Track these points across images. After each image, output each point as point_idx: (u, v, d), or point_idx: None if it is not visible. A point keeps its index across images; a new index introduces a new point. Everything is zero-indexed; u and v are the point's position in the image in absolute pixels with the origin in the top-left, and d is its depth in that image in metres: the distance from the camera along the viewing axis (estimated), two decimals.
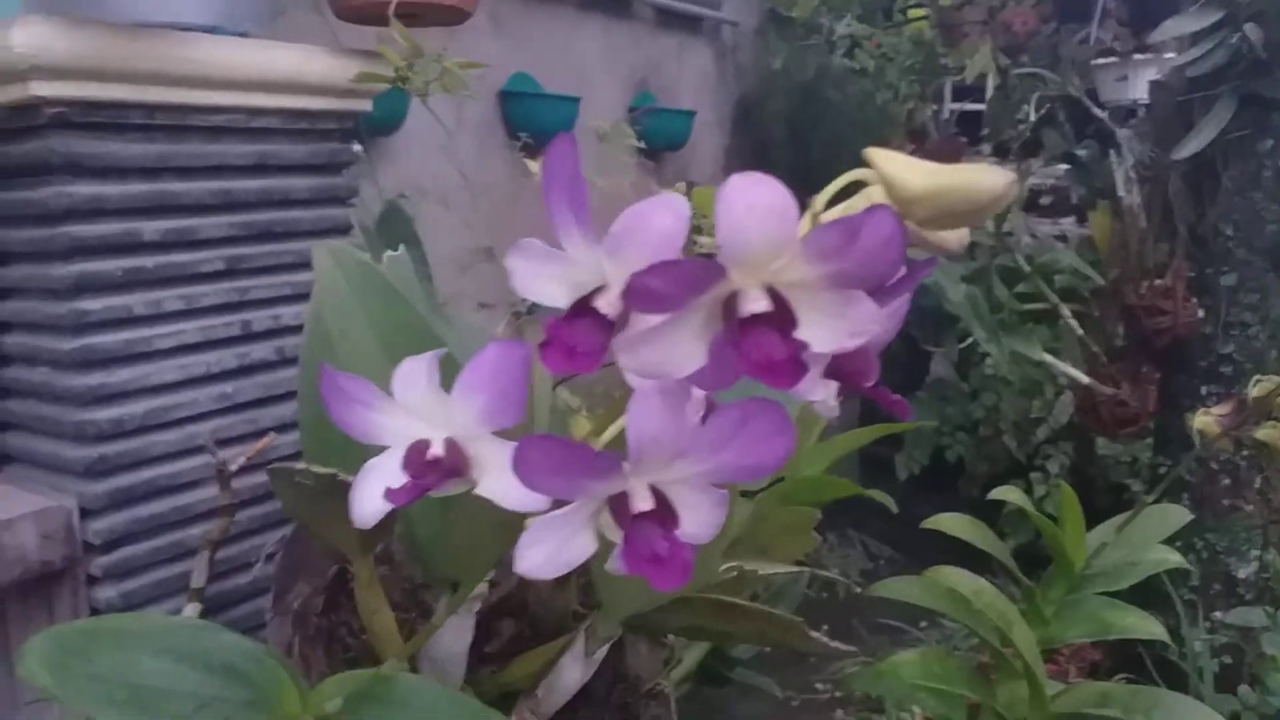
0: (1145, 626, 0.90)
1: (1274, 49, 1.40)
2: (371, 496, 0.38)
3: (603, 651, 0.65)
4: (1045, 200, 2.55)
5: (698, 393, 0.35)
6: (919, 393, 2.22)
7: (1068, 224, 2.35)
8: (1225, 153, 1.50)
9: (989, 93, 2.64)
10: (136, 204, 0.76)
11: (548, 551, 0.34)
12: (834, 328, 0.29)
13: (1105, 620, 0.90)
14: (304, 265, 0.87)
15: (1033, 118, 1.72)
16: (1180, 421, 1.58)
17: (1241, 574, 1.56)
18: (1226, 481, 1.56)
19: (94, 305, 0.74)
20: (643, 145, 1.35)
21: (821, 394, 0.33)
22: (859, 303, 0.29)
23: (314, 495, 0.57)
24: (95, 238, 0.73)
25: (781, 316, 0.28)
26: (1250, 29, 1.39)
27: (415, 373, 0.38)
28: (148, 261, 0.77)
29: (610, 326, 0.33)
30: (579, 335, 0.33)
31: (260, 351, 0.84)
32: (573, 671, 0.65)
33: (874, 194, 0.30)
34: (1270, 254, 1.52)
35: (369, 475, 0.39)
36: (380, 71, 0.86)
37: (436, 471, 0.37)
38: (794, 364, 0.28)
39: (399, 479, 0.37)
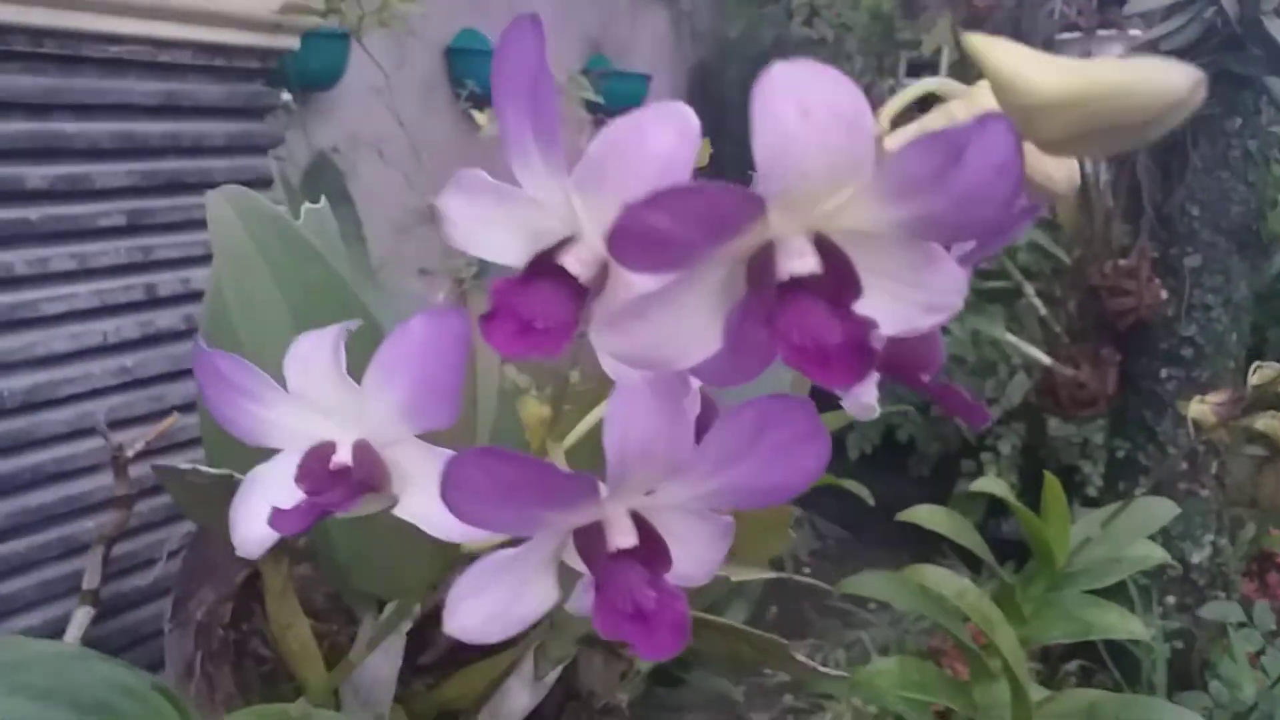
0: (1126, 626, 0.84)
1: (1249, 24, 1.34)
2: (255, 518, 0.28)
3: (554, 674, 0.55)
4: None
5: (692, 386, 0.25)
6: None
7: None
8: (1195, 131, 1.44)
9: (943, 69, 2.57)
10: (19, 145, 0.64)
11: (491, 607, 0.24)
12: (907, 299, 0.20)
13: (1086, 620, 0.83)
14: None
15: None
16: (1140, 405, 1.53)
17: (1195, 559, 1.51)
18: (1184, 466, 1.51)
19: None
20: (600, 100, 1.25)
21: (874, 395, 0.23)
22: (941, 264, 0.20)
23: (208, 495, 0.46)
24: None
25: (837, 279, 0.19)
26: (1227, 2, 1.33)
27: (316, 351, 0.28)
28: (32, 213, 0.65)
29: (581, 292, 0.23)
30: (538, 303, 0.23)
31: (166, 319, 0.73)
32: (519, 696, 0.55)
33: (959, 114, 0.21)
34: (1235, 235, 1.47)
35: (253, 489, 0.28)
36: (310, 3, 0.75)
37: (343, 485, 0.27)
38: (854, 351, 0.19)
39: (292, 495, 0.27)
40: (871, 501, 0.85)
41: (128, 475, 0.66)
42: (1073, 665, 1.38)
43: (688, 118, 0.21)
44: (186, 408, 0.73)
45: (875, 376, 0.25)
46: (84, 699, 0.44)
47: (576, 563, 0.26)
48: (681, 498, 0.24)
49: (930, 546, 0.91)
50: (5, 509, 0.65)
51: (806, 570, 1.91)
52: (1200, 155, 1.45)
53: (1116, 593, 1.31)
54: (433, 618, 0.64)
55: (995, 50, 0.18)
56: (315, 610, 0.65)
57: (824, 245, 0.19)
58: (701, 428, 0.24)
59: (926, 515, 0.86)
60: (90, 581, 0.66)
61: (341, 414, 0.28)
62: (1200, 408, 0.80)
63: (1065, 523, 0.82)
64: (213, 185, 0.74)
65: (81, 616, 0.67)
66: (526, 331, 0.23)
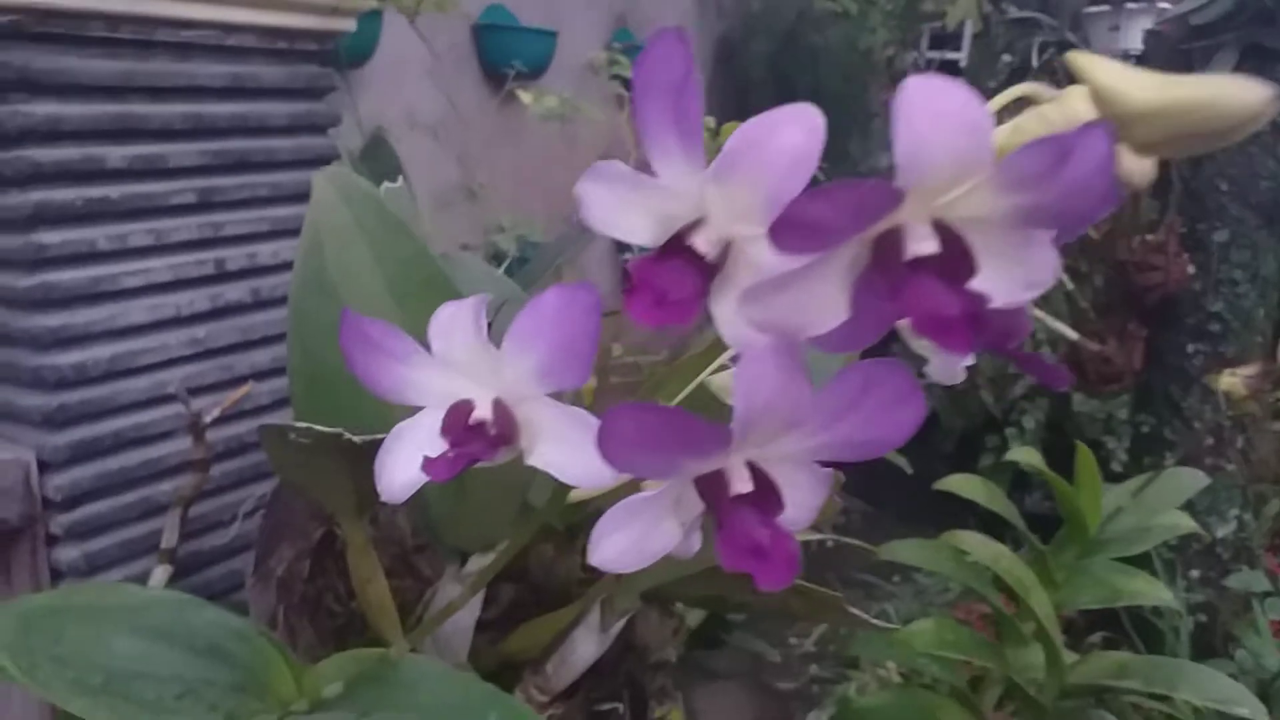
0: (1154, 592, 0.87)
1: None
2: (405, 466, 0.31)
3: (619, 625, 0.59)
4: None
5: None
6: (897, 344, 2.18)
7: None
8: None
9: (965, 41, 2.58)
10: (99, 126, 0.68)
11: (630, 539, 0.28)
12: (1011, 277, 0.23)
13: (1115, 585, 0.87)
14: (281, 199, 0.79)
15: (1035, 64, 1.66)
16: (1166, 380, 1.56)
17: (1220, 533, 1.54)
18: (1210, 441, 1.54)
19: (53, 238, 0.65)
20: (630, 75, 1.27)
21: (966, 363, 0.27)
22: (1040, 246, 0.23)
23: (308, 454, 0.50)
24: (54, 163, 0.65)
25: (957, 259, 0.22)
26: None
27: (458, 320, 0.32)
28: (112, 191, 0.69)
29: (708, 270, 0.27)
30: (671, 279, 0.26)
31: (234, 293, 0.76)
32: (587, 646, 0.59)
33: (1052, 116, 0.24)
34: (1263, 210, 1.49)
35: (400, 441, 0.32)
36: None
37: (482, 438, 0.31)
38: (970, 321, 0.22)
39: (437, 446, 0.31)
40: (910, 471, 0.88)
41: (204, 440, 0.70)
42: (1096, 637, 1.42)
43: (815, 117, 0.24)
44: (253, 376, 0.77)
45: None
46: (197, 641, 0.48)
47: (685, 512, 0.30)
48: (793, 450, 0.28)
49: (953, 522, 0.94)
50: (89, 472, 0.69)
51: (830, 543, 1.95)
52: None
53: (1142, 564, 1.35)
54: (496, 576, 0.69)
55: (1097, 66, 0.22)
56: (384, 569, 0.69)
57: (943, 229, 0.22)
58: None
59: (961, 484, 0.89)
60: (168, 541, 0.71)
61: (479, 375, 0.31)
62: (1231, 380, 0.84)
63: (1097, 492, 0.85)
64: (277, 164, 0.79)
65: (160, 574, 0.71)
66: (661, 303, 0.27)
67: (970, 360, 0.27)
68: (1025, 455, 0.93)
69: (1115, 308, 1.59)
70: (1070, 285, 1.60)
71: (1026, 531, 0.88)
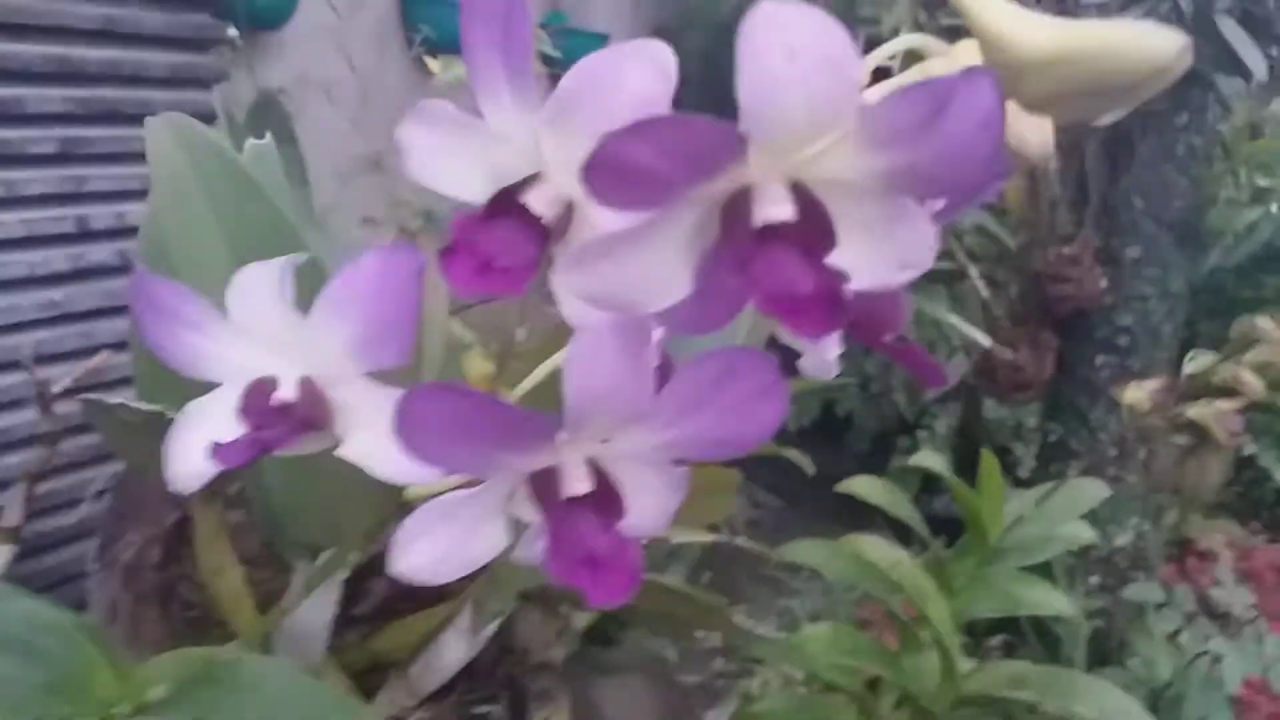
0: (1052, 602, 0.86)
1: (1202, 21, 1.36)
2: (193, 452, 0.27)
3: (491, 628, 0.55)
4: None
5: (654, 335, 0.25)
6: None
7: None
8: (1144, 124, 1.46)
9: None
10: None
11: (441, 548, 0.23)
12: (881, 253, 0.19)
13: (1015, 595, 0.86)
14: None
15: None
16: (1074, 390, 1.57)
17: (1119, 542, 1.56)
18: (1113, 452, 1.55)
19: None
20: (558, 55, 1.23)
21: (834, 351, 0.23)
22: (915, 220, 0.20)
23: (143, 434, 0.45)
24: None
25: (813, 227, 0.18)
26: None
27: (262, 283, 0.27)
28: None
29: (544, 233, 0.23)
30: (501, 241, 0.22)
31: (98, 253, 0.70)
32: (455, 649, 0.55)
33: (936, 70, 0.21)
34: (1176, 228, 1.51)
35: (192, 421, 0.27)
36: None
37: (286, 422, 0.26)
38: (826, 302, 0.18)
39: (233, 429, 0.26)
40: (812, 471, 0.85)
41: (53, 412, 0.64)
42: (997, 640, 1.42)
43: (666, 55, 0.20)
44: (117, 345, 0.71)
45: (838, 332, 0.25)
46: (6, 636, 0.43)
47: (526, 511, 0.26)
48: (639, 446, 0.24)
49: (864, 520, 0.92)
50: None
51: (740, 539, 1.93)
52: (1147, 148, 1.48)
53: (1044, 571, 1.35)
54: (367, 569, 0.64)
55: (986, 5, 0.18)
56: (249, 558, 0.63)
57: (801, 193, 0.19)
58: (660, 381, 0.24)
59: (863, 486, 0.87)
60: (11, 519, 0.64)
61: (286, 349, 0.27)
62: (1136, 394, 0.82)
63: (1000, 499, 0.83)
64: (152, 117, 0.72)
65: (3, 555, 0.65)
66: (486, 270, 0.22)
67: (836, 350, 0.24)
68: (928, 460, 0.91)
69: (1028, 317, 1.60)
70: (986, 293, 1.60)
71: (928, 537, 0.86)
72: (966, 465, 0.95)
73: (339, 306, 0.25)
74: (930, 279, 1.87)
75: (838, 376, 0.27)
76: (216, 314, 0.27)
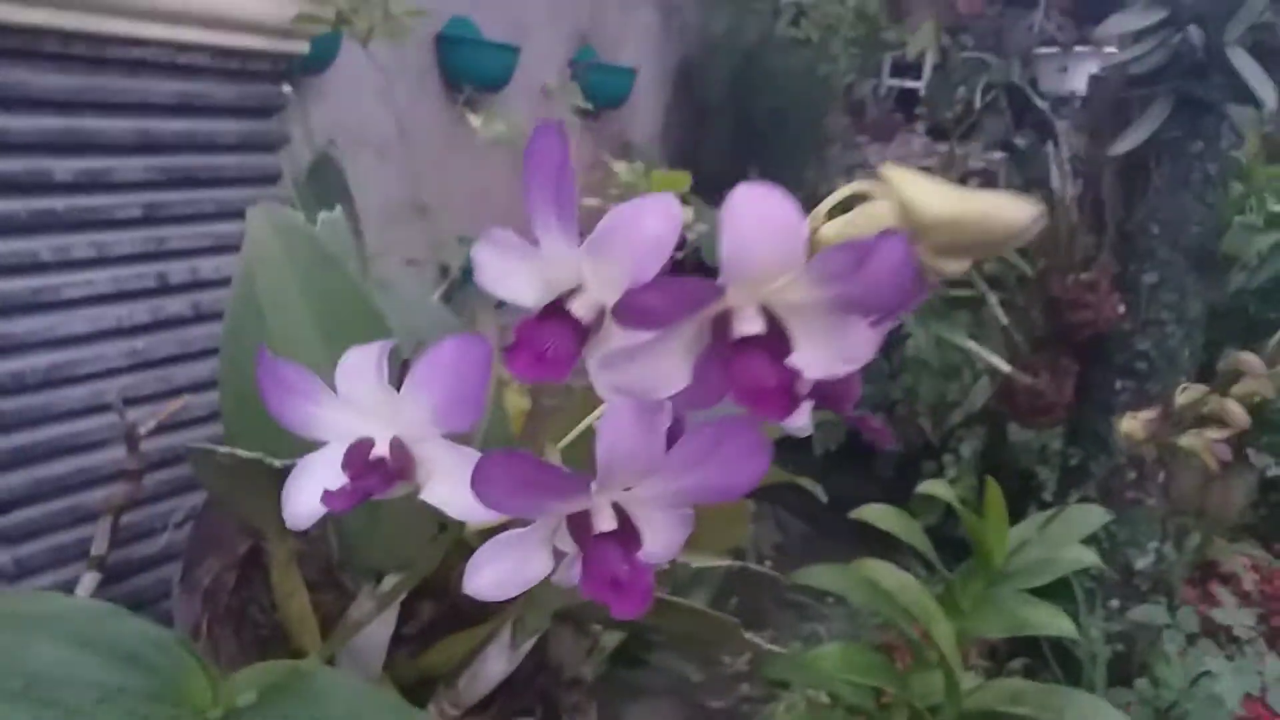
0: (1057, 624, 0.92)
1: (1213, 53, 1.42)
2: (307, 496, 0.35)
3: (529, 644, 0.63)
4: (973, 184, 2.58)
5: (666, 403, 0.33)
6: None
7: None
8: (1158, 152, 1.52)
9: (926, 71, 2.65)
10: (48, 140, 0.71)
11: (504, 572, 0.31)
12: (828, 354, 0.27)
13: (1020, 616, 0.92)
14: (226, 215, 0.82)
15: (978, 103, 1.73)
16: (1094, 414, 1.62)
17: (1139, 565, 1.61)
18: (1132, 475, 1.60)
19: None
20: (587, 104, 1.31)
21: (807, 422, 0.31)
22: (856, 329, 0.27)
23: (234, 475, 0.53)
24: (2, 175, 0.68)
25: (776, 340, 0.26)
26: (1192, 31, 1.41)
27: (362, 364, 0.35)
28: (58, 203, 0.72)
29: (583, 331, 0.31)
30: (549, 339, 0.30)
31: (175, 306, 0.79)
32: (497, 663, 0.63)
33: (877, 211, 0.28)
34: (1192, 254, 1.56)
35: (305, 472, 0.36)
36: (321, 13, 0.81)
37: (379, 474, 0.34)
38: (785, 393, 0.26)
39: (338, 479, 0.34)
40: (825, 499, 0.93)
41: (139, 450, 0.72)
42: (1017, 663, 1.47)
43: (674, 207, 0.28)
44: (191, 388, 0.80)
45: (808, 405, 0.33)
46: (118, 649, 0.51)
47: (565, 543, 0.33)
48: (653, 494, 0.32)
49: (890, 544, 0.98)
50: (23, 478, 0.72)
51: (768, 562, 1.99)
52: (1162, 176, 1.54)
53: (1061, 594, 1.41)
54: (417, 593, 0.72)
55: (904, 180, 0.26)
56: (310, 583, 0.72)
57: (768, 314, 0.26)
58: (672, 439, 0.32)
59: (877, 514, 0.94)
60: (99, 548, 0.73)
61: (380, 415, 0.35)
62: (1132, 423, 0.89)
63: (1003, 524, 0.90)
64: (223, 181, 0.82)
65: (89, 580, 0.73)
66: (540, 360, 0.30)
67: (804, 417, 0.32)
68: (937, 489, 0.98)
69: (1048, 342, 1.65)
70: (1005, 320, 1.66)
71: (935, 560, 0.92)
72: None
73: (423, 383, 0.33)
74: (953, 306, 1.93)
75: (861, 403, 0.34)
76: (326, 387, 0.36)
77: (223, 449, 0.47)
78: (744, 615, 0.71)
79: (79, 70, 0.72)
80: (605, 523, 0.31)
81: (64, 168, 0.72)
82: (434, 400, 0.34)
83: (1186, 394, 0.87)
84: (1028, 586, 0.93)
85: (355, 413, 0.35)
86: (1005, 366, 1.62)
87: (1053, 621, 0.92)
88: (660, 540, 0.33)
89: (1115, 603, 1.56)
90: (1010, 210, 0.25)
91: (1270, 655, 1.02)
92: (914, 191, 0.26)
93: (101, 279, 0.74)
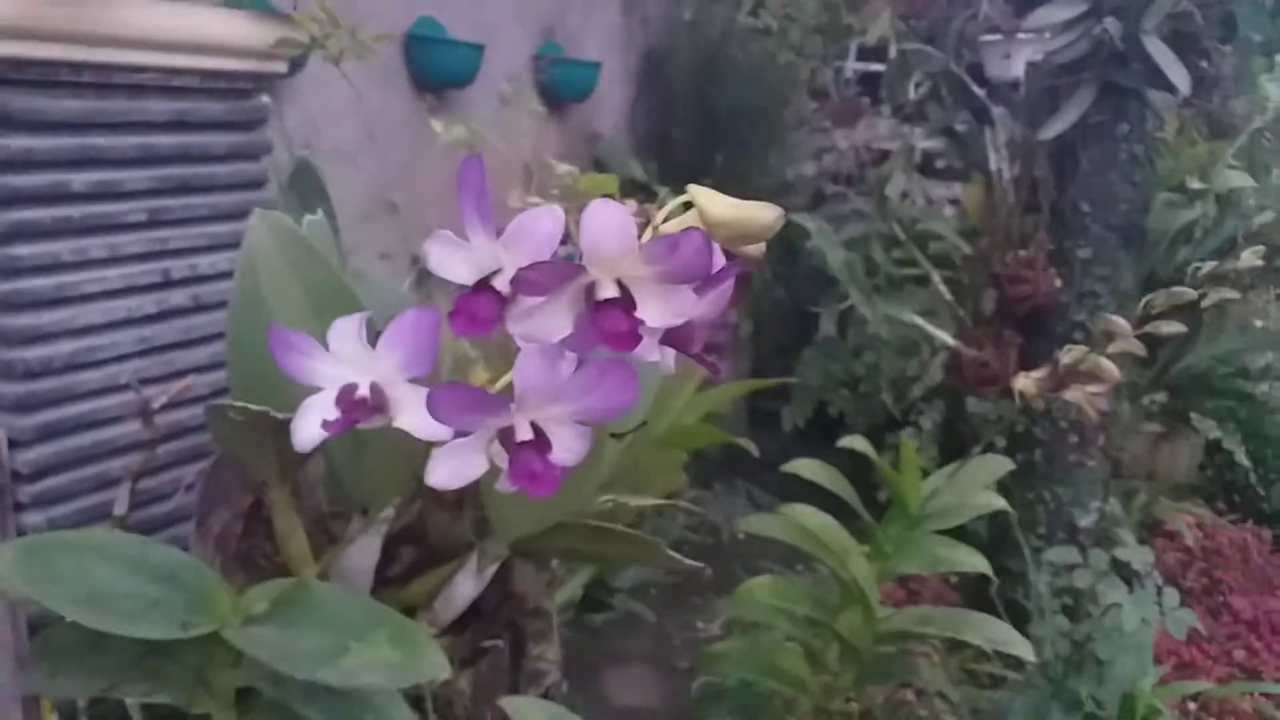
0: (971, 561, 1.08)
1: (1131, 42, 1.57)
2: (310, 426, 0.50)
3: (493, 569, 0.78)
4: (940, 164, 2.73)
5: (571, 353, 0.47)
6: (808, 349, 2.39)
7: (960, 188, 2.53)
8: (1085, 135, 1.67)
9: (891, 55, 2.80)
10: (65, 157, 0.85)
11: (453, 468, 0.46)
12: (662, 310, 0.42)
13: (938, 555, 1.07)
14: (220, 217, 0.97)
15: (913, 92, 1.88)
16: None
17: (1082, 523, 1.77)
18: (1074, 439, 1.75)
19: (25, 251, 0.82)
20: (542, 109, 1.45)
21: (657, 356, 0.46)
22: (680, 293, 0.42)
23: (243, 429, 0.68)
24: (27, 188, 0.82)
25: (625, 301, 0.41)
26: (1110, 22, 1.56)
27: (347, 329, 0.50)
28: (75, 211, 0.86)
29: (503, 300, 0.46)
30: (479, 306, 0.45)
31: (178, 298, 0.94)
32: (466, 586, 0.78)
33: (690, 216, 0.43)
34: (1122, 231, 1.71)
35: (308, 410, 0.51)
36: (297, 38, 0.95)
37: (363, 409, 0.49)
38: (633, 335, 0.41)
39: (332, 414, 0.49)
40: (757, 454, 1.08)
41: (152, 424, 0.87)
42: None
43: (559, 214, 0.43)
44: (194, 370, 0.94)
45: (670, 349, 0.48)
46: (158, 570, 0.66)
47: (500, 459, 0.48)
48: (558, 413, 0.47)
49: (854, 514, 1.12)
50: (53, 450, 0.86)
51: (740, 536, 2.14)
52: (1089, 158, 1.69)
53: (1012, 550, 1.55)
54: (397, 539, 0.87)
55: (700, 194, 0.41)
56: (304, 529, 0.87)
57: (620, 284, 0.41)
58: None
59: (806, 467, 1.09)
60: (120, 509, 0.88)
61: (361, 366, 0.50)
62: (1025, 381, 1.04)
63: (916, 475, 1.06)
64: (216, 187, 0.96)
65: None
66: (473, 321, 0.45)
67: (666, 357, 0.46)
68: (857, 443, 1.13)
69: (992, 317, 1.80)
70: (950, 297, 1.81)
71: (859, 506, 1.08)
72: (953, 456, 1.12)
73: (392, 342, 0.48)
74: (904, 284, 2.09)
75: (828, 379, 0.49)
76: (321, 347, 0.50)
77: (237, 403, 0.62)
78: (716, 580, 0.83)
79: (89, 95, 0.86)
80: (524, 434, 0.46)
81: (80, 180, 0.86)
82: (400, 354, 0.49)
83: (1070, 354, 1.03)
84: (943, 528, 1.08)
85: (343, 365, 0.50)
86: (950, 340, 1.78)
87: (968, 559, 1.07)
88: (567, 448, 0.48)
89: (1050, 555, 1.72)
90: (764, 213, 0.40)
91: (1168, 589, 1.18)
92: (705, 201, 0.41)
93: (113, 276, 0.89)
